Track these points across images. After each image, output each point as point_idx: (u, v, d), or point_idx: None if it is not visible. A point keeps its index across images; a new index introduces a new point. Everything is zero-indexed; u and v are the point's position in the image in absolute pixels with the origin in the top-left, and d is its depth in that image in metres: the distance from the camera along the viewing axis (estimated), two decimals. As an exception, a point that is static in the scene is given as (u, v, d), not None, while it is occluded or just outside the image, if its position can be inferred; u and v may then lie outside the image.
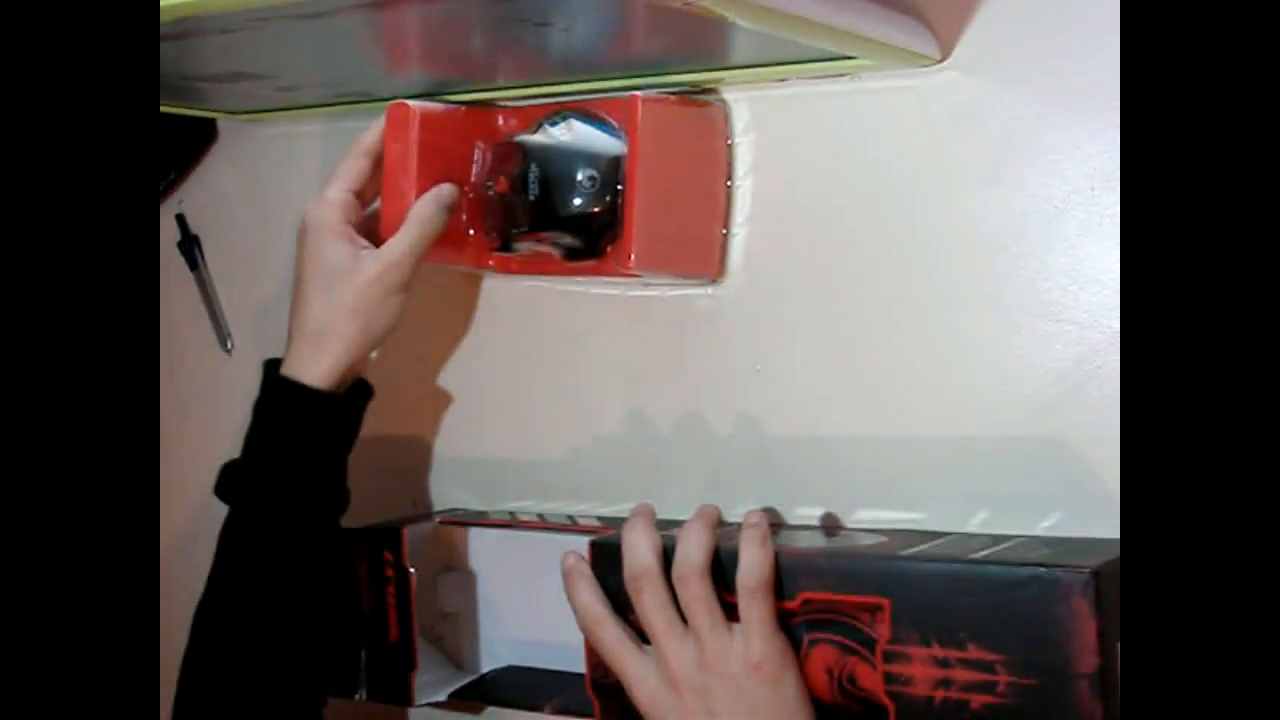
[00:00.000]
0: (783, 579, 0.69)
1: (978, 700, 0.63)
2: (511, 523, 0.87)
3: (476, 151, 0.84)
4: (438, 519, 0.90)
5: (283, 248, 1.04)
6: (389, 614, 0.85)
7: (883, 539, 0.72)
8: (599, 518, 0.85)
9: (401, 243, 0.79)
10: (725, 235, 0.81)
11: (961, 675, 0.64)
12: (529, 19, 0.68)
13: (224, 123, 1.05)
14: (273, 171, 1.03)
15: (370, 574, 0.86)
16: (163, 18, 0.63)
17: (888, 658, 0.66)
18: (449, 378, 0.95)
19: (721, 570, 0.69)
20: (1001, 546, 0.68)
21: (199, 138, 1.05)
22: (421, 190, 0.80)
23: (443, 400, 0.96)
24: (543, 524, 0.86)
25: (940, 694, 0.64)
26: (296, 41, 0.73)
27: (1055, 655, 0.62)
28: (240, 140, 1.05)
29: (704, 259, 0.81)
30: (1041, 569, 0.63)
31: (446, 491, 0.96)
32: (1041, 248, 0.72)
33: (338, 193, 0.80)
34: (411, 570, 0.85)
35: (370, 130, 0.82)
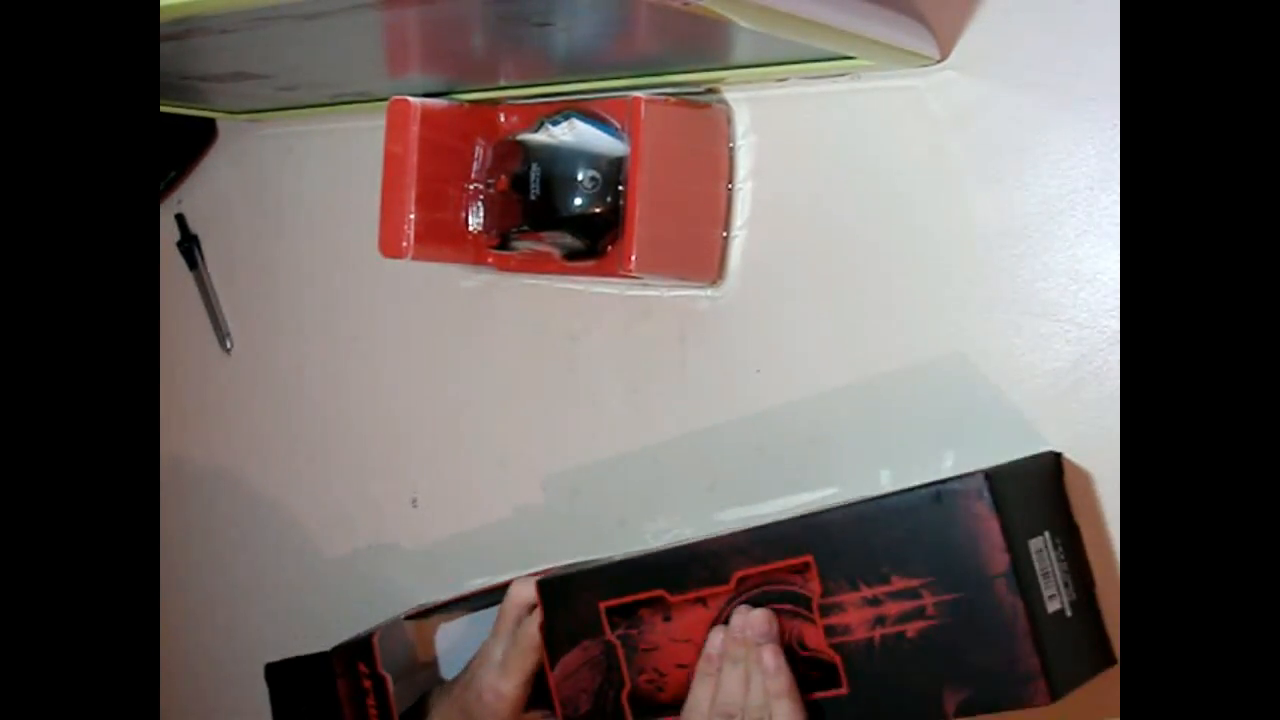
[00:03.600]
0: (715, 566, 0.71)
1: (913, 628, 0.65)
2: (468, 596, 0.89)
3: (477, 149, 0.84)
4: (403, 616, 0.91)
5: (282, 247, 1.04)
6: None
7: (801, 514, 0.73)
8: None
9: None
10: (725, 237, 0.81)
11: (892, 609, 0.66)
12: (530, 19, 0.68)
13: (224, 123, 1.05)
14: (273, 171, 1.04)
15: (349, 690, 0.88)
16: (163, 18, 0.63)
17: (824, 612, 0.67)
18: (448, 378, 0.95)
19: None
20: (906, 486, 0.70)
21: (199, 138, 1.05)
22: (422, 188, 0.81)
23: (442, 400, 0.96)
24: (498, 586, 0.87)
25: (878, 633, 0.66)
26: (297, 41, 0.73)
27: (969, 563, 0.64)
28: (240, 140, 1.05)
29: (704, 261, 0.81)
30: (937, 485, 0.65)
31: (441, 497, 0.96)
32: (1041, 248, 0.72)
33: (514, 687, 0.80)
34: (386, 675, 0.86)
35: (532, 621, 0.79)
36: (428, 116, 0.81)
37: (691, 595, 0.72)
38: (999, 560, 0.63)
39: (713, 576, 0.71)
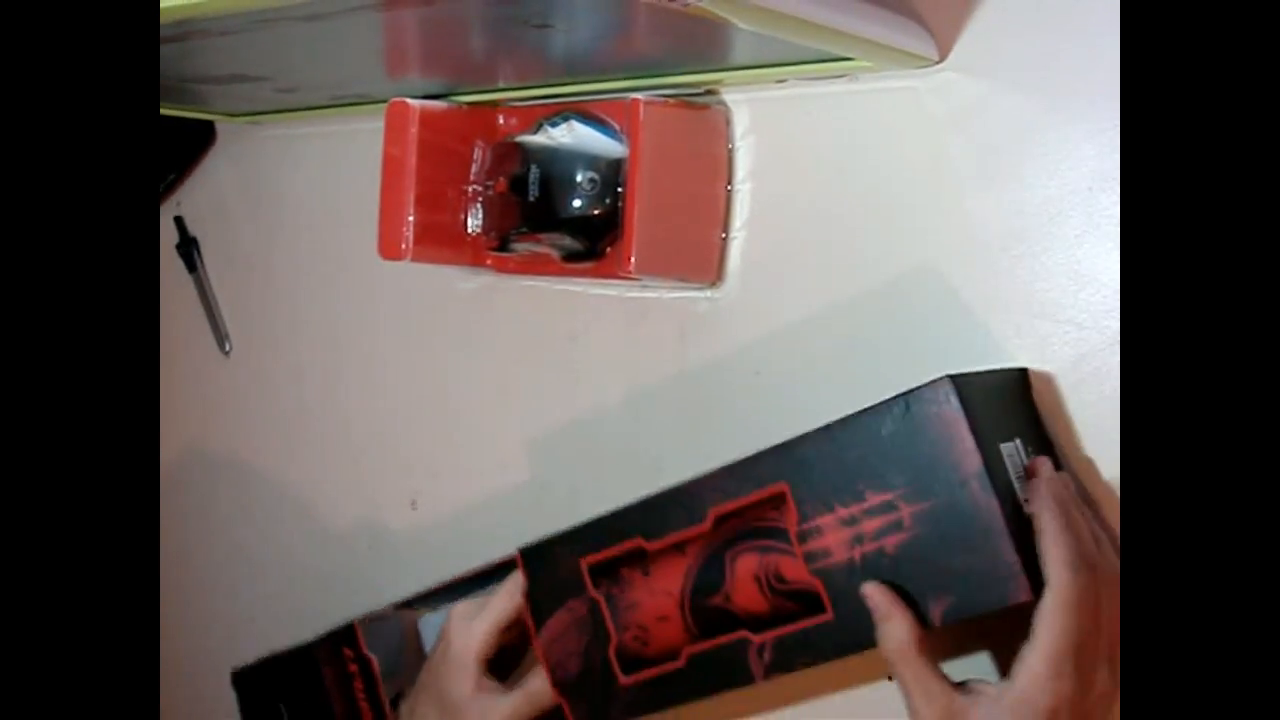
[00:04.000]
0: (692, 506, 0.71)
1: (891, 542, 0.65)
2: (453, 584, 0.89)
3: (476, 150, 0.84)
4: (391, 605, 0.91)
5: (281, 249, 1.04)
6: (361, 709, 0.87)
7: None
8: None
9: (510, 707, 0.79)
10: (724, 239, 0.81)
11: (869, 525, 0.66)
12: (529, 21, 0.68)
13: (223, 125, 1.05)
14: (272, 173, 1.04)
15: (335, 677, 0.88)
16: (163, 19, 0.63)
17: (803, 538, 0.67)
18: (448, 379, 0.95)
19: None
20: None
21: (198, 140, 1.05)
22: (421, 190, 0.81)
23: (442, 402, 0.96)
24: (479, 570, 0.87)
25: (858, 551, 0.66)
26: (296, 43, 0.73)
27: (941, 468, 0.64)
28: (239, 142, 1.05)
29: (703, 262, 0.81)
30: (905, 396, 0.65)
31: (441, 498, 0.96)
32: (1041, 248, 0.72)
33: (485, 628, 0.80)
34: (372, 656, 0.86)
35: (514, 578, 0.80)
36: (427, 118, 0.81)
37: (670, 540, 0.72)
38: (971, 461, 0.63)
39: (690, 517, 0.71)
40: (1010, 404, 0.69)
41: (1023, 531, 0.63)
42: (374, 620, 0.89)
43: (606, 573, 0.74)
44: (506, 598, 0.79)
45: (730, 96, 0.81)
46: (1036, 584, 0.61)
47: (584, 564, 0.75)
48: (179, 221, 1.08)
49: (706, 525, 0.70)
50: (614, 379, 0.87)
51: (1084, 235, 0.71)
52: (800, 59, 0.73)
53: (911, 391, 0.65)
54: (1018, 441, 0.67)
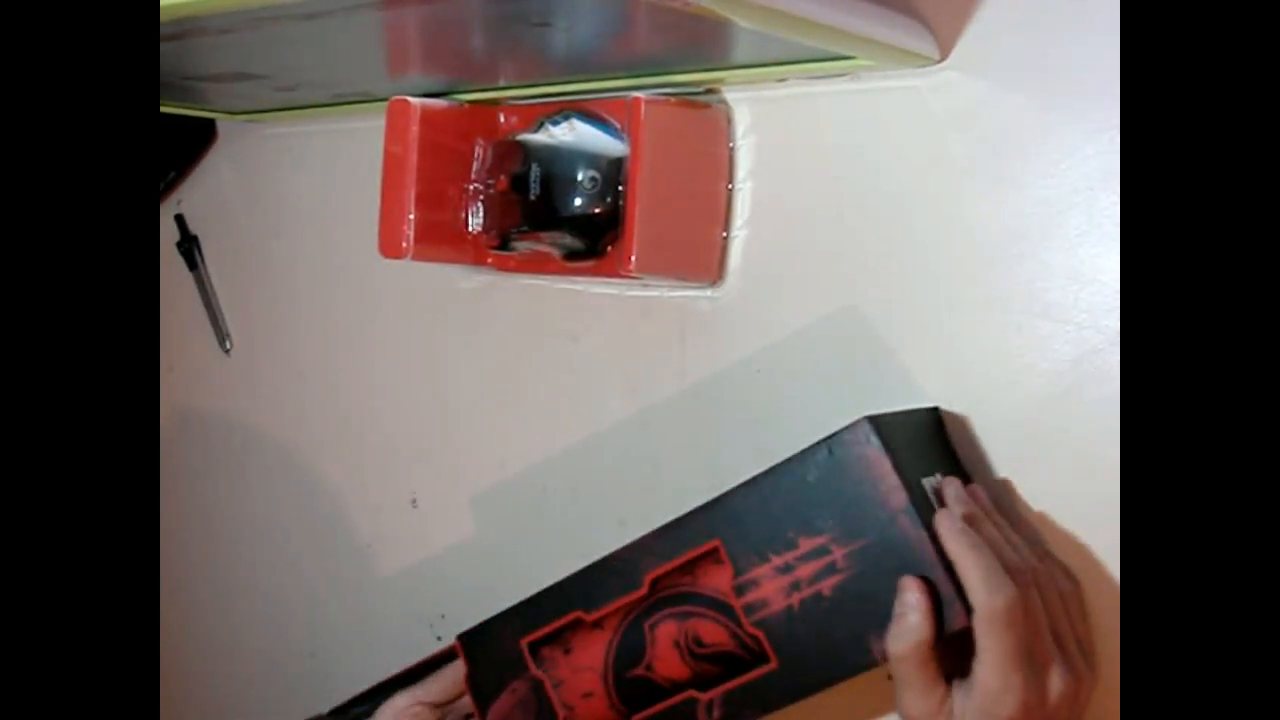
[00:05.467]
0: (627, 573, 0.71)
1: (827, 585, 0.66)
2: (391, 680, 0.88)
3: (477, 149, 0.84)
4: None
5: (281, 248, 1.04)
6: None
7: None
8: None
9: None
10: (725, 237, 0.81)
11: (804, 571, 0.66)
12: (530, 19, 0.68)
13: (223, 123, 1.05)
14: (272, 172, 1.04)
15: None
16: (163, 18, 0.63)
17: (740, 591, 0.68)
18: (448, 378, 0.95)
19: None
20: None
21: (198, 138, 1.05)
22: (421, 188, 0.81)
23: (442, 401, 0.96)
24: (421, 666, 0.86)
25: (795, 598, 0.67)
26: (297, 42, 0.73)
27: (869, 507, 0.65)
28: (240, 140, 1.05)
29: (704, 261, 0.81)
30: (827, 440, 0.66)
31: (441, 497, 0.96)
32: (1041, 248, 0.72)
33: (409, 699, 0.80)
34: None
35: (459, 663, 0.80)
36: (427, 117, 0.81)
37: (608, 609, 0.72)
38: (897, 497, 0.64)
39: (626, 584, 0.71)
40: (927, 441, 0.70)
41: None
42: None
43: (548, 644, 0.75)
44: (439, 678, 0.79)
45: (731, 95, 0.81)
46: (971, 608, 0.62)
47: (524, 643, 0.75)
48: (179, 220, 1.08)
49: (643, 590, 0.71)
50: (614, 378, 0.87)
51: (1084, 235, 0.71)
52: (801, 58, 0.73)
53: (832, 436, 0.66)
54: (938, 476, 0.68)
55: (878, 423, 0.65)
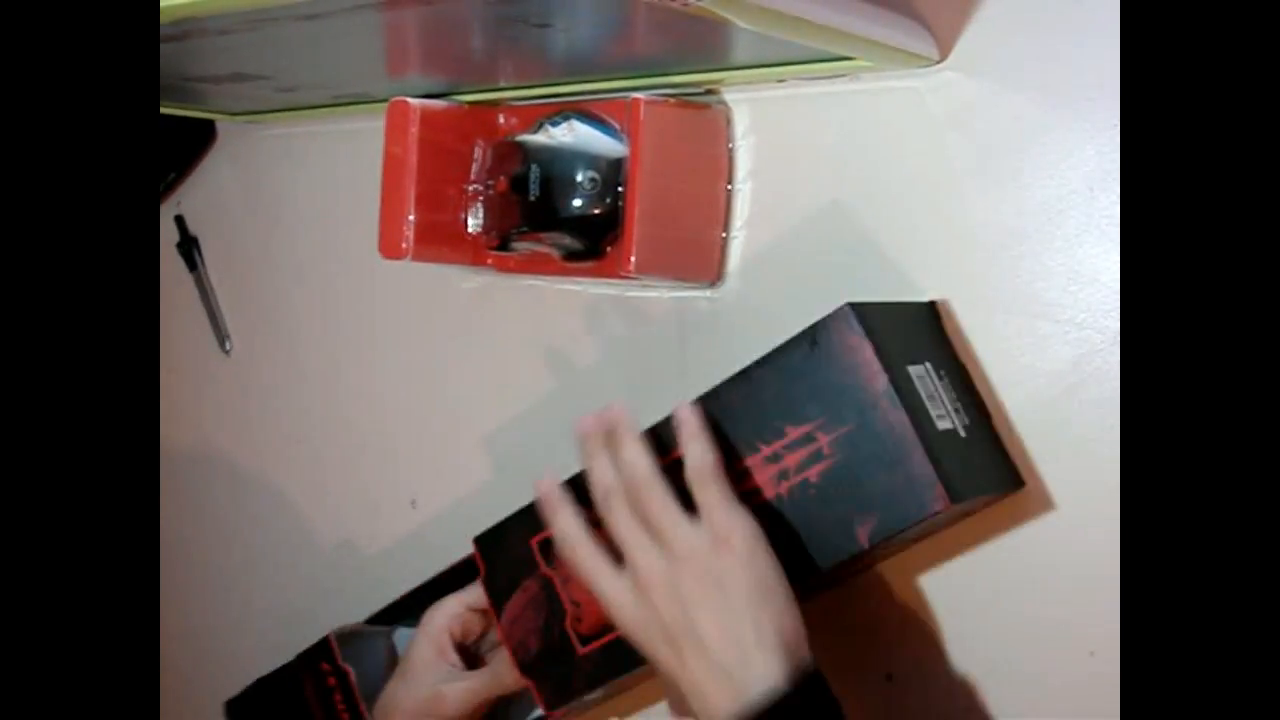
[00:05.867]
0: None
1: (814, 472, 0.67)
2: (419, 590, 0.89)
3: (477, 150, 0.84)
4: (364, 620, 0.92)
5: (281, 249, 1.04)
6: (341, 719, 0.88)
7: None
8: None
9: (466, 683, 0.81)
10: (725, 238, 0.81)
11: (792, 459, 0.68)
12: (530, 20, 0.68)
13: (223, 123, 1.05)
14: (272, 172, 1.04)
15: (316, 692, 0.89)
16: (163, 18, 0.63)
17: (733, 481, 0.68)
18: (448, 378, 0.95)
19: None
20: None
21: (198, 139, 1.05)
22: (421, 189, 0.81)
23: (442, 401, 0.96)
24: (445, 576, 0.88)
25: (784, 486, 0.68)
26: (296, 42, 0.73)
27: (852, 393, 0.66)
28: (239, 141, 1.05)
29: (703, 262, 0.81)
30: (811, 329, 0.67)
31: (441, 497, 0.96)
32: (1041, 248, 0.72)
33: (454, 603, 0.83)
34: (348, 667, 0.87)
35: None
36: (427, 117, 0.81)
37: None
38: (878, 381, 0.65)
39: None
40: (918, 332, 0.71)
41: (937, 443, 0.65)
42: (349, 635, 0.90)
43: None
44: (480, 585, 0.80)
45: (731, 96, 0.81)
46: (955, 490, 0.64)
47: (534, 542, 0.76)
48: (179, 220, 1.08)
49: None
50: (614, 378, 0.87)
51: (1084, 235, 0.71)
52: (801, 58, 0.73)
53: (816, 324, 0.67)
54: (927, 365, 0.68)
55: (860, 310, 0.66)
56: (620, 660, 0.73)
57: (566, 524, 0.70)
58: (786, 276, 0.80)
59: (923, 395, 0.66)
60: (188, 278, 1.08)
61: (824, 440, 0.67)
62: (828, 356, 0.67)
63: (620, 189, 0.78)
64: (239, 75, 0.84)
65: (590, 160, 0.78)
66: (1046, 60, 0.71)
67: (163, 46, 0.68)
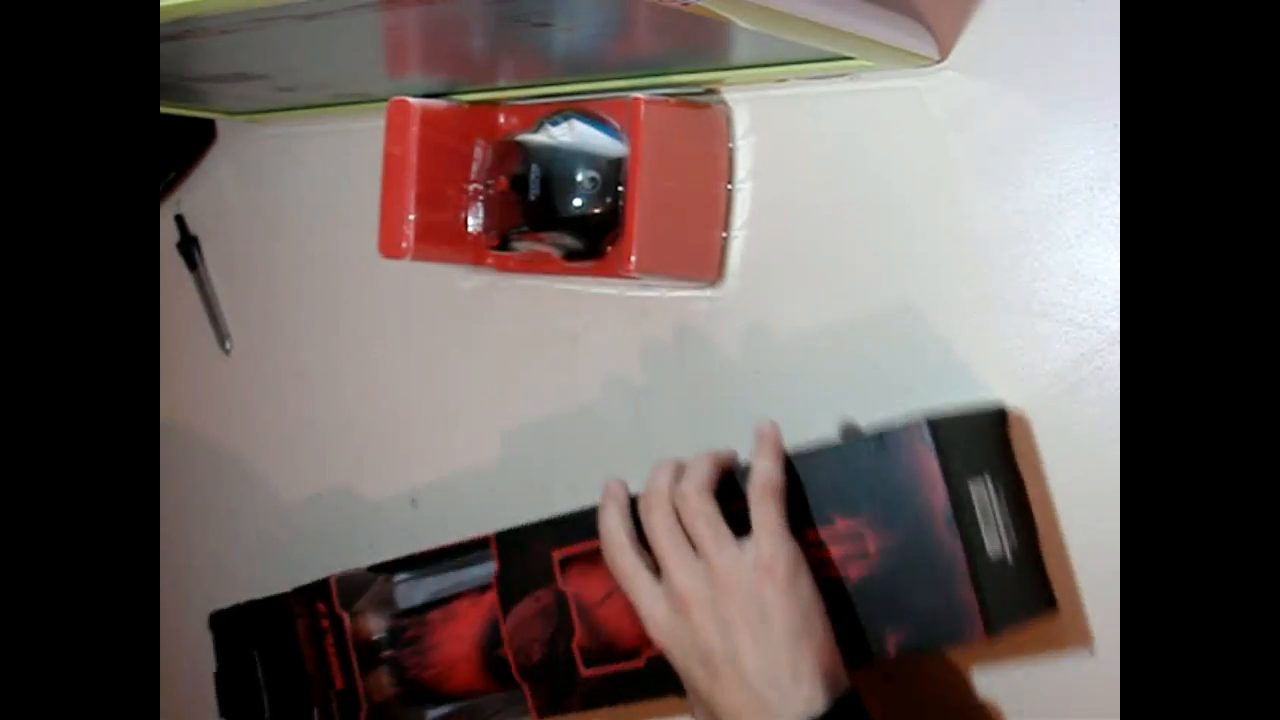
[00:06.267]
0: None
1: (854, 570, 0.66)
2: (429, 552, 0.88)
3: (477, 150, 0.84)
4: (365, 568, 0.90)
5: (282, 248, 1.04)
6: (331, 663, 0.87)
7: None
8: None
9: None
10: (725, 238, 0.81)
11: (835, 551, 0.67)
12: (530, 19, 0.68)
13: (223, 124, 1.05)
14: (272, 172, 1.04)
15: (308, 630, 0.88)
16: (163, 18, 0.63)
17: None
18: (448, 378, 0.95)
19: (726, 488, 0.69)
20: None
21: (198, 138, 1.05)
22: (421, 188, 0.81)
23: (442, 401, 0.96)
24: (456, 544, 0.86)
25: (823, 574, 0.66)
26: (297, 42, 0.73)
27: (909, 503, 0.65)
28: (240, 140, 1.05)
29: (704, 261, 0.81)
30: (881, 430, 0.66)
31: (441, 497, 0.96)
32: (1040, 248, 0.72)
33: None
34: (344, 614, 0.86)
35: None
36: (428, 117, 0.81)
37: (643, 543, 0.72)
38: (938, 499, 0.64)
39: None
40: (984, 440, 0.70)
41: (984, 573, 0.64)
42: (350, 579, 0.89)
43: (578, 562, 0.75)
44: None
45: (731, 95, 0.81)
46: (993, 625, 0.63)
47: (556, 556, 0.76)
48: (179, 220, 1.08)
49: None
50: (614, 378, 0.87)
51: (1084, 235, 0.71)
52: (801, 58, 0.73)
53: (889, 429, 0.66)
54: (987, 478, 0.67)
55: (935, 425, 0.65)
56: (623, 691, 0.73)
57: (614, 524, 0.70)
58: (786, 276, 0.80)
59: (979, 515, 0.65)
60: (188, 277, 1.08)
61: (872, 541, 0.66)
62: (893, 460, 0.65)
63: (620, 188, 0.78)
64: (239, 75, 0.84)
65: (590, 160, 0.78)
66: (1046, 60, 0.71)
67: (163, 46, 0.68)
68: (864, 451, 0.66)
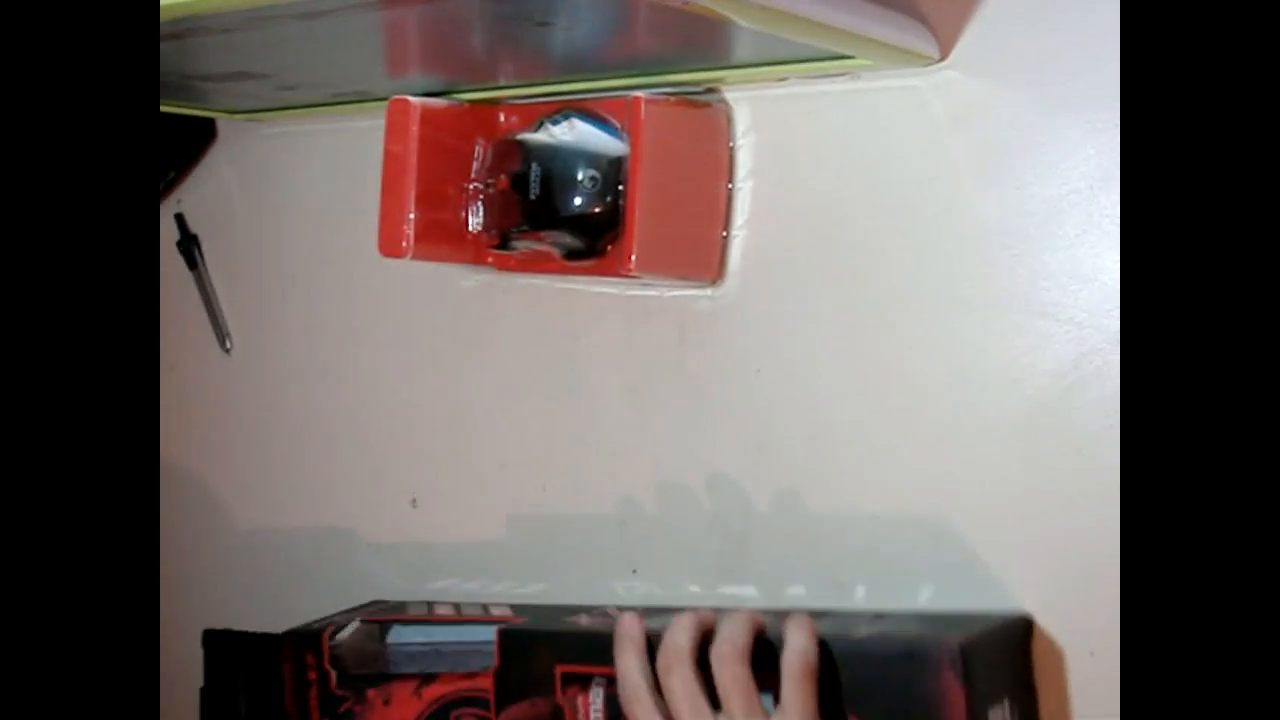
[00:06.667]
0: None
1: None
2: (429, 617, 0.88)
3: (477, 149, 0.84)
4: (359, 619, 0.90)
5: (282, 247, 1.04)
6: (312, 715, 0.87)
7: (775, 619, 0.73)
8: (511, 606, 0.87)
9: None
10: (725, 237, 0.81)
11: None
12: (530, 18, 0.68)
13: (224, 123, 1.05)
14: (272, 171, 1.03)
15: (294, 677, 0.87)
16: (163, 18, 0.63)
17: None
18: (448, 378, 0.95)
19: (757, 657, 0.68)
20: (882, 624, 0.70)
21: (198, 138, 1.05)
22: (422, 188, 0.81)
23: (442, 401, 0.96)
24: (457, 616, 0.87)
25: None
26: (297, 41, 0.73)
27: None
28: (240, 140, 1.05)
29: (704, 261, 0.81)
30: (913, 644, 0.65)
31: (441, 497, 0.96)
32: (1041, 248, 0.72)
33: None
34: (332, 671, 0.86)
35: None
36: (428, 116, 0.81)
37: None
38: None
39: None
40: (1008, 659, 0.69)
41: None
42: (342, 636, 0.89)
43: (580, 681, 0.74)
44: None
45: (732, 94, 0.81)
46: None
47: (559, 670, 0.75)
48: (180, 219, 1.08)
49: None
50: (614, 377, 0.87)
51: (1084, 234, 0.71)
52: (802, 57, 0.73)
53: (920, 641, 0.65)
54: (1006, 702, 0.67)
55: (967, 652, 0.64)
56: None
57: (633, 673, 0.69)
58: (787, 276, 0.80)
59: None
60: (188, 277, 1.08)
61: None
62: (919, 678, 0.64)
63: (621, 187, 0.78)
64: (239, 74, 0.84)
65: (591, 159, 0.78)
66: (1047, 60, 0.71)
67: (163, 45, 0.68)
68: (891, 661, 0.65)
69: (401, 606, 0.92)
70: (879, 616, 0.72)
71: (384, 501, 0.99)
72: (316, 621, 0.89)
